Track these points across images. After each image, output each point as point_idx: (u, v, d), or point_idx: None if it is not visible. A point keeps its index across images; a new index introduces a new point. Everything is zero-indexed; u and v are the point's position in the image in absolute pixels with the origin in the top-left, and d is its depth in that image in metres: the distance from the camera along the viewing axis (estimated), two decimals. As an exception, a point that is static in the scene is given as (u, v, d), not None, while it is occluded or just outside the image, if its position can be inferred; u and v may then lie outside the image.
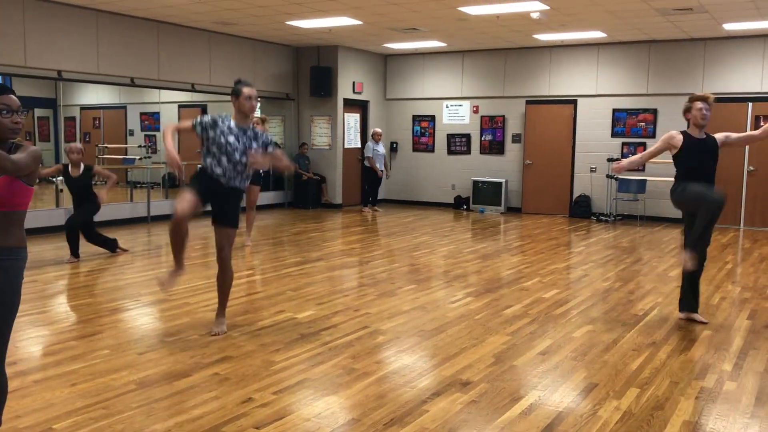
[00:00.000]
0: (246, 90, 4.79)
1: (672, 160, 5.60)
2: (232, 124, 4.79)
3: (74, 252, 7.71)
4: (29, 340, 4.77)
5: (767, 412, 3.64)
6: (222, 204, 4.87)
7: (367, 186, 13.77)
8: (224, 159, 4.73)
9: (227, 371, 4.14)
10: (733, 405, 3.74)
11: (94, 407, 3.55)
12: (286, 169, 5.28)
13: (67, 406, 3.55)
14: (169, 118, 14.47)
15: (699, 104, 5.59)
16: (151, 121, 14.97)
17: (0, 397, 2.92)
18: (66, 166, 7.75)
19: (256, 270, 7.37)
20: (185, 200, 4.63)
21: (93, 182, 8.01)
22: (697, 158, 5.49)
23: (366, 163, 13.44)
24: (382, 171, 13.42)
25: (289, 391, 3.83)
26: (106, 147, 16.81)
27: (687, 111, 5.68)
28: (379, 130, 13.55)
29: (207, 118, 4.77)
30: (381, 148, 13.48)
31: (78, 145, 7.78)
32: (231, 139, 4.74)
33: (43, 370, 4.11)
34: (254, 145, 4.83)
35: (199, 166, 4.84)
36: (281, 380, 4.00)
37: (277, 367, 4.23)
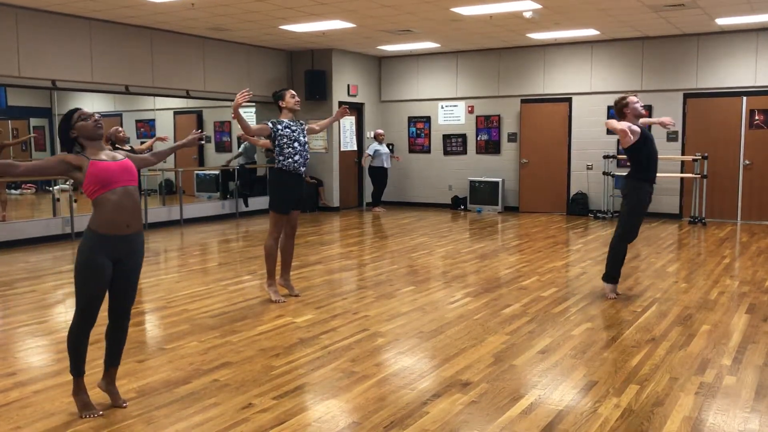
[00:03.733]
0: (290, 90, 6.08)
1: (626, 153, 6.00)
2: (285, 120, 6.01)
3: None
4: (29, 351, 4.77)
5: (767, 406, 3.65)
6: (300, 194, 6.16)
7: (375, 186, 13.99)
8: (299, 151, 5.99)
9: (227, 377, 4.14)
10: (733, 399, 3.75)
11: (94, 417, 3.55)
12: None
13: (68, 417, 3.55)
14: (164, 124, 14.49)
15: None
16: (146, 128, 14.97)
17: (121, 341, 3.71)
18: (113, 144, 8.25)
19: (255, 275, 7.37)
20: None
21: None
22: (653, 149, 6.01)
23: (378, 163, 13.73)
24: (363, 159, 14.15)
25: (289, 396, 3.83)
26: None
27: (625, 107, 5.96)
28: (380, 131, 13.95)
29: (278, 125, 5.95)
30: (384, 148, 13.81)
31: (118, 127, 8.42)
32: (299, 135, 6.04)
33: (43, 381, 4.10)
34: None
35: (274, 168, 6.05)
36: (281, 385, 4.00)
37: (276, 372, 4.23)
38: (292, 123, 5.99)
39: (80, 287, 3.45)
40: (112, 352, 3.70)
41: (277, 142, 5.92)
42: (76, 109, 3.49)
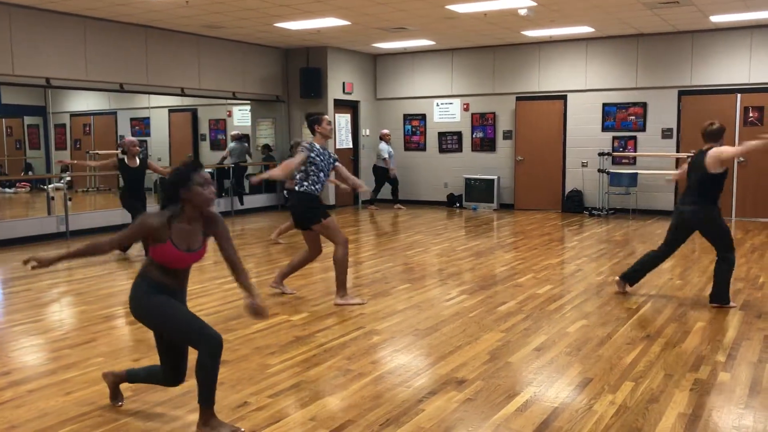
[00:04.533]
0: (326, 116, 5.98)
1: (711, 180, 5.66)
2: (318, 147, 5.88)
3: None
4: (23, 350, 4.76)
5: (761, 403, 3.67)
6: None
7: (384, 184, 14.00)
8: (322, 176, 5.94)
9: (222, 376, 4.12)
10: (728, 396, 3.76)
11: (89, 415, 3.55)
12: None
13: (62, 415, 3.54)
14: (159, 123, 14.45)
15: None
16: (141, 126, 14.93)
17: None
18: (122, 160, 8.31)
19: (250, 273, 7.35)
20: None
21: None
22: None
23: (382, 164, 13.74)
24: (393, 169, 13.90)
25: (284, 394, 3.83)
26: (97, 153, 16.75)
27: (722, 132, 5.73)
28: (386, 131, 14.01)
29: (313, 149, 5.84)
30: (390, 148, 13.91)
31: (134, 139, 8.61)
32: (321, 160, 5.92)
33: (38, 380, 4.09)
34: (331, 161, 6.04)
35: (304, 191, 5.89)
36: (277, 383, 4.00)
37: (272, 370, 4.23)
38: (323, 151, 5.89)
39: (170, 326, 3.27)
40: (148, 375, 3.59)
41: (305, 167, 5.81)
42: (198, 166, 3.27)
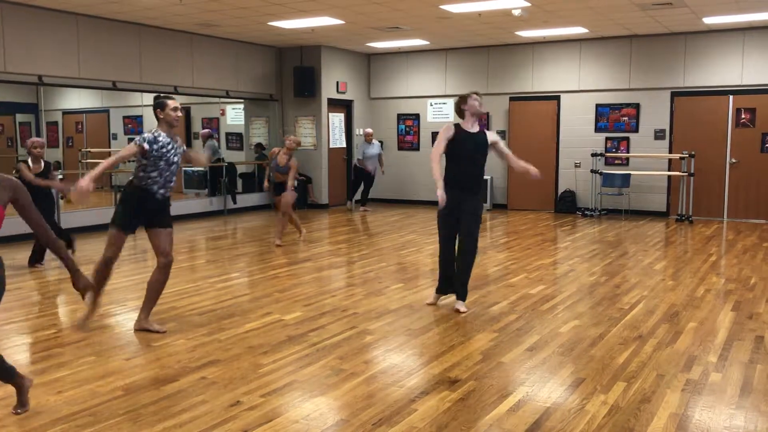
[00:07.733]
0: (171, 102, 5.02)
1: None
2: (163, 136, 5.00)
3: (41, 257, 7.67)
4: (14, 348, 4.73)
5: (752, 403, 3.68)
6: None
7: (357, 185, 13.79)
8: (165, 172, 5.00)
9: (215, 375, 4.12)
10: (719, 396, 3.77)
11: (81, 414, 3.53)
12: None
13: (54, 414, 3.52)
14: (152, 121, 14.40)
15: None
16: (134, 124, 14.87)
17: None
18: (25, 162, 7.30)
19: (243, 272, 7.34)
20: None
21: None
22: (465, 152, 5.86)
23: (356, 163, 13.59)
24: (373, 169, 13.57)
25: (277, 394, 3.82)
26: (89, 151, 16.70)
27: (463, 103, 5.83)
28: (369, 130, 13.66)
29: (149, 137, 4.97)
30: (374, 149, 13.54)
31: (41, 139, 7.57)
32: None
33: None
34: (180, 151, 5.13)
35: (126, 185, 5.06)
36: (269, 383, 3.99)
37: (264, 369, 4.22)
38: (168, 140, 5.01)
39: None
40: None
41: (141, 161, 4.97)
42: None
